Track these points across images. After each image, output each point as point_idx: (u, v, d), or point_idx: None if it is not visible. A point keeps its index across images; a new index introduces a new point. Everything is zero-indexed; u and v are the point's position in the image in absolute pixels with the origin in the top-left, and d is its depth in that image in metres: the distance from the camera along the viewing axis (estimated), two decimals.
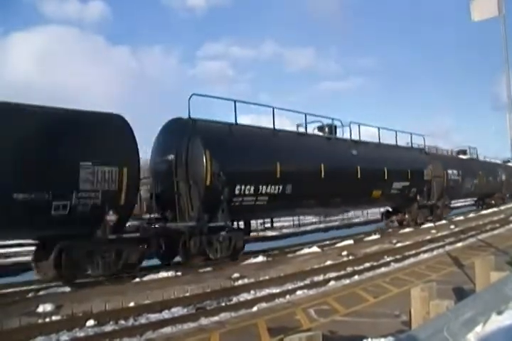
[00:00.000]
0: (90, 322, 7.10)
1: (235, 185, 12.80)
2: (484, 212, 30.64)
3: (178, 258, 12.78)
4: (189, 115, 12.82)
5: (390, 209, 23.31)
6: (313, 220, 28.41)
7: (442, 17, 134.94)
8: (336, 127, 18.19)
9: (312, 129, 17.88)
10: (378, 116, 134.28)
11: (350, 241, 16.57)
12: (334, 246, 15.76)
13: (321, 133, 17.93)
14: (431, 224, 22.12)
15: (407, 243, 15.75)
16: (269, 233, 21.80)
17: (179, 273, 11.12)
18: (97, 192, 10.23)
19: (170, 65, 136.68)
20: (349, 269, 11.28)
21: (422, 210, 22.88)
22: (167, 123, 13.64)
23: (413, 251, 13.71)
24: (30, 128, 9.43)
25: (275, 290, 9.17)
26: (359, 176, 17.65)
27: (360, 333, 5.12)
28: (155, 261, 12.96)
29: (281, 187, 14.12)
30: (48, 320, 7.40)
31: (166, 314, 7.71)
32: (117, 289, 9.48)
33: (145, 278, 10.68)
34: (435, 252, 13.44)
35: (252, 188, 13.29)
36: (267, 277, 10.47)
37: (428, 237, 16.97)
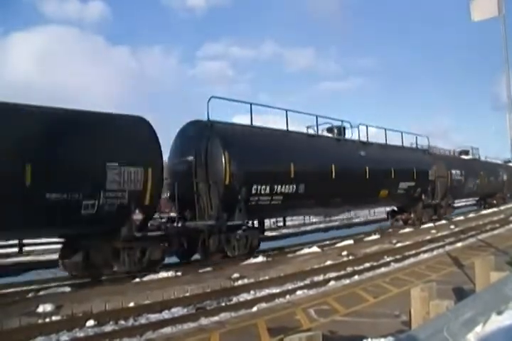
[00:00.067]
0: (90, 323, 7.10)
1: (251, 185, 13.26)
2: (484, 212, 30.73)
3: (195, 256, 13.30)
4: (208, 117, 13.27)
5: (396, 209, 23.83)
6: (313, 220, 28.40)
7: (442, 17, 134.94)
8: (344, 128, 18.71)
9: (321, 130, 18.32)
10: (378, 116, 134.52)
11: (350, 241, 16.57)
12: (334, 246, 15.76)
13: (330, 135, 18.39)
14: (431, 224, 22.17)
15: (407, 243, 15.75)
16: (269, 233, 21.79)
17: (179, 274, 11.12)
18: (124, 192, 10.60)
19: (170, 65, 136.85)
20: (349, 269, 11.28)
21: (426, 210, 23.49)
22: (185, 125, 14.06)
23: (413, 251, 13.71)
24: (63, 131, 9.88)
25: (275, 290, 9.16)
26: (367, 176, 18.18)
27: (360, 333, 5.12)
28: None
29: (294, 187, 14.55)
30: (47, 320, 7.39)
31: (166, 314, 7.71)
32: (117, 289, 9.48)
33: (145, 278, 10.67)
34: (435, 252, 13.43)
35: (268, 188, 13.75)
36: (266, 277, 10.47)
37: (428, 237, 16.97)
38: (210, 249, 12.70)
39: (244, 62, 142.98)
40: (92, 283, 10.42)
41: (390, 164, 20.07)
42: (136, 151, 11.12)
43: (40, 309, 7.79)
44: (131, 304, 8.17)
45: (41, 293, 9.42)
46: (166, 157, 13.70)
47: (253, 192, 13.30)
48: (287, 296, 8.61)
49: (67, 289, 9.71)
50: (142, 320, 7.41)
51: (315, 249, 14.83)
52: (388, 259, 12.55)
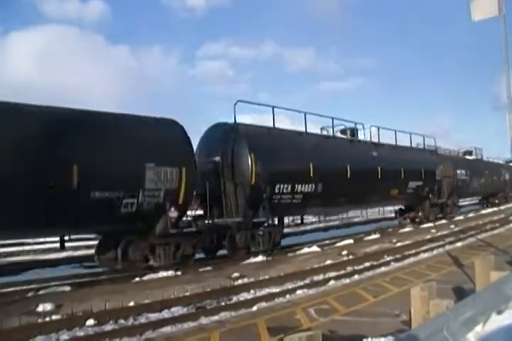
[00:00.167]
0: (90, 322, 7.09)
1: (275, 184, 14.04)
2: (484, 211, 30.84)
3: (220, 252, 14.12)
4: (234, 120, 13.97)
5: (403, 208, 24.62)
6: (313, 220, 28.39)
7: (442, 17, 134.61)
8: (357, 130, 19.54)
9: (336, 132, 18.99)
10: (378, 116, 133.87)
11: (350, 241, 16.57)
12: (334, 246, 15.77)
13: (344, 136, 19.10)
14: (431, 224, 22.21)
15: (407, 242, 15.76)
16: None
17: (179, 273, 11.12)
18: (160, 191, 11.21)
19: (170, 64, 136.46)
20: (349, 269, 11.27)
21: (433, 208, 24.38)
22: (211, 127, 14.80)
23: (413, 251, 13.71)
24: (107, 133, 10.59)
25: (275, 290, 9.16)
26: (379, 176, 18.99)
27: (360, 332, 5.12)
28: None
29: (313, 186, 15.31)
30: (47, 319, 7.39)
31: (165, 313, 7.71)
32: (117, 288, 9.48)
33: (145, 278, 10.68)
34: (435, 252, 13.43)
35: (290, 187, 14.49)
36: (266, 276, 10.47)
37: (428, 237, 16.98)
38: (236, 244, 13.48)
39: (244, 62, 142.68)
40: (92, 282, 10.42)
41: (400, 164, 20.87)
42: (171, 152, 11.70)
43: (40, 308, 7.78)
44: (131, 303, 8.17)
45: (41, 292, 9.41)
46: None
47: (276, 191, 14.08)
48: (287, 296, 8.60)
49: (67, 288, 9.70)
50: (142, 319, 7.41)
51: (315, 248, 14.83)
52: (388, 259, 12.55)
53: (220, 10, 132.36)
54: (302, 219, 18.42)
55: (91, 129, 10.29)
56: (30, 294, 9.31)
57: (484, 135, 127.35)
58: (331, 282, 9.74)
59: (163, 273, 10.96)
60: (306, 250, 14.60)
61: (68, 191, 9.46)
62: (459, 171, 27.75)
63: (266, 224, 14.49)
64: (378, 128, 20.72)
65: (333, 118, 17.99)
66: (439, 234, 17.91)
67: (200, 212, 13.82)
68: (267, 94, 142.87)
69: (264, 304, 8.00)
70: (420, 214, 23.92)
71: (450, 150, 30.52)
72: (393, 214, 26.39)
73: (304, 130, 16.56)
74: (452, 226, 20.84)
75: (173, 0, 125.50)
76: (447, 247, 14.11)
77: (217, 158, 13.74)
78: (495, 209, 32.18)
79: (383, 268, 11.13)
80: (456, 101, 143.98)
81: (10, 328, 6.77)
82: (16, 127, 9.14)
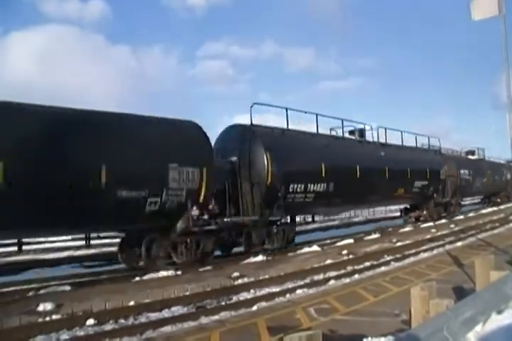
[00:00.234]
0: (90, 321, 7.10)
1: (289, 184, 14.50)
2: (484, 211, 30.85)
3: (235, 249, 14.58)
4: (251, 121, 14.38)
5: (408, 207, 25.36)
6: (316, 218, 28.40)
7: (442, 17, 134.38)
8: (365, 131, 20.11)
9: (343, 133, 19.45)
10: (378, 116, 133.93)
11: (351, 241, 16.57)
12: (334, 245, 15.77)
13: (353, 137, 19.61)
14: (431, 223, 22.21)
15: (407, 242, 15.76)
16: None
17: (179, 272, 11.12)
18: (182, 190, 11.61)
19: (170, 64, 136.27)
20: (349, 268, 11.28)
21: (437, 207, 25.01)
22: (227, 128, 15.25)
23: (413, 250, 13.70)
24: (134, 134, 11.02)
25: (275, 289, 9.16)
26: (387, 176, 19.55)
27: (360, 332, 5.12)
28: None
29: (325, 186, 15.83)
30: (48, 318, 7.39)
31: (166, 313, 7.71)
32: (117, 288, 9.48)
33: (145, 277, 10.68)
34: (435, 251, 13.42)
35: (303, 186, 14.96)
36: (266, 276, 10.48)
37: (428, 236, 16.98)
38: (252, 241, 13.97)
39: (244, 61, 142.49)
40: (92, 282, 10.42)
41: (406, 164, 21.51)
42: (193, 153, 12.11)
43: (41, 308, 7.79)
44: (132, 303, 8.18)
45: (41, 291, 9.42)
46: None
47: (290, 190, 14.53)
48: (287, 295, 8.60)
49: (68, 288, 9.71)
50: (142, 319, 7.41)
51: (315, 248, 14.83)
52: (388, 258, 12.55)
53: (220, 9, 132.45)
54: (313, 217, 19.28)
55: (119, 131, 10.78)
56: (30, 293, 9.32)
57: (484, 134, 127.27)
58: (331, 281, 9.74)
59: (163, 273, 10.97)
60: (306, 249, 14.60)
61: (96, 191, 9.82)
62: (462, 171, 28.34)
63: (278, 223, 15.01)
64: (385, 129, 21.28)
65: (342, 120, 18.60)
66: (439, 233, 17.90)
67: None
68: (267, 94, 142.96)
69: (264, 303, 8.00)
70: (425, 212, 24.59)
71: (453, 150, 31.02)
72: (394, 214, 26.87)
73: (315, 131, 17.20)
74: (452, 225, 20.84)
75: (173, 0, 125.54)
76: (447, 247, 14.11)
77: (234, 159, 14.19)
78: (495, 208, 32.28)
79: (383, 268, 11.12)
80: (456, 100, 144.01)
81: (10, 328, 6.77)
82: (51, 129, 9.44)
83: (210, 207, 12.98)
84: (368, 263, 11.83)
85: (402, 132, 22.85)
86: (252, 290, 9.20)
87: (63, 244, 18.42)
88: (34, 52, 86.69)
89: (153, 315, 7.54)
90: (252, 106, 14.38)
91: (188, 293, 8.88)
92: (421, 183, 22.85)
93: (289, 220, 15.93)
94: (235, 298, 8.67)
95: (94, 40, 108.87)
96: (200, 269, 11.70)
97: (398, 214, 28.01)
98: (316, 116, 16.90)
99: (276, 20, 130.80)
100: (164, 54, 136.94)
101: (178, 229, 11.73)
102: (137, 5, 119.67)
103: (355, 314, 6.52)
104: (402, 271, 9.99)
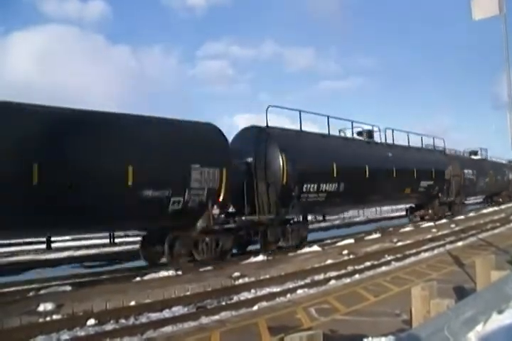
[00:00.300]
0: (91, 321, 7.10)
1: (303, 184, 14.87)
2: (485, 211, 30.89)
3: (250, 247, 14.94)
4: (266, 123, 14.80)
5: (413, 206, 25.82)
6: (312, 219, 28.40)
7: (442, 17, 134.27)
8: (373, 132, 20.55)
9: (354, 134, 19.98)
10: (378, 115, 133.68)
11: (351, 240, 16.57)
12: (335, 245, 15.77)
13: (361, 138, 20.00)
14: (431, 223, 22.23)
15: (408, 242, 15.75)
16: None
17: (180, 272, 11.13)
18: (203, 190, 12.04)
19: (170, 64, 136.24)
20: (350, 268, 11.27)
21: (442, 207, 25.58)
22: (242, 130, 15.60)
23: (414, 250, 13.69)
24: (158, 136, 11.40)
25: (276, 289, 9.16)
26: (394, 175, 19.94)
27: (360, 332, 5.12)
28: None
29: (336, 185, 16.25)
30: (48, 319, 7.39)
31: (166, 313, 7.71)
32: (118, 288, 9.48)
33: (146, 277, 10.68)
34: (436, 251, 13.42)
35: (315, 186, 15.34)
36: (267, 276, 10.47)
37: (429, 236, 16.98)
38: (268, 239, 14.35)
39: (244, 61, 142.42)
40: (93, 282, 10.43)
41: (412, 164, 21.95)
42: (213, 154, 12.53)
43: (41, 308, 7.79)
44: (132, 303, 8.18)
45: (42, 291, 9.42)
46: None
47: (304, 190, 14.91)
48: (288, 295, 8.60)
49: (68, 288, 9.71)
50: (143, 319, 7.41)
51: (315, 247, 14.84)
52: (389, 258, 12.55)
53: (220, 9, 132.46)
54: (324, 216, 19.70)
55: (144, 134, 11.18)
56: (31, 294, 9.32)
57: (485, 134, 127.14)
58: (332, 281, 9.73)
59: (164, 273, 10.97)
60: (306, 249, 14.61)
61: (123, 190, 10.21)
62: (466, 171, 28.80)
63: (292, 221, 15.51)
64: (393, 131, 21.74)
65: (352, 122, 19.08)
66: (439, 233, 17.90)
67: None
68: (267, 94, 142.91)
69: (264, 303, 8.00)
70: (430, 212, 25.11)
71: (456, 151, 31.32)
72: (399, 213, 27.41)
73: (326, 132, 17.53)
74: (453, 225, 20.83)
75: (173, 0, 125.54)
76: (448, 247, 14.10)
77: (250, 159, 14.47)
78: (496, 208, 32.39)
79: (384, 268, 11.12)
80: (457, 100, 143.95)
81: (11, 328, 6.78)
82: (79, 132, 9.82)
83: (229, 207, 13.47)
84: (368, 263, 11.82)
85: (408, 133, 23.37)
86: (252, 290, 9.20)
87: (63, 244, 18.42)
88: (34, 52, 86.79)
89: (154, 315, 7.54)
90: (267, 109, 14.74)
91: (188, 293, 8.88)
92: (427, 183, 23.32)
93: (301, 219, 16.29)
94: (235, 298, 8.67)
95: (94, 40, 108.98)
96: (201, 269, 11.70)
97: (403, 213, 28.53)
98: (328, 118, 17.34)
99: (276, 20, 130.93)
100: (164, 54, 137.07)
101: (199, 227, 12.12)
102: (137, 5, 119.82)
103: (355, 314, 6.52)
104: (403, 271, 9.98)
